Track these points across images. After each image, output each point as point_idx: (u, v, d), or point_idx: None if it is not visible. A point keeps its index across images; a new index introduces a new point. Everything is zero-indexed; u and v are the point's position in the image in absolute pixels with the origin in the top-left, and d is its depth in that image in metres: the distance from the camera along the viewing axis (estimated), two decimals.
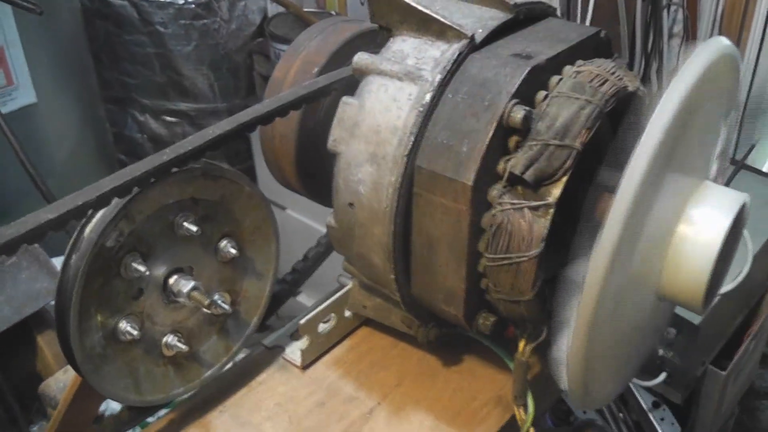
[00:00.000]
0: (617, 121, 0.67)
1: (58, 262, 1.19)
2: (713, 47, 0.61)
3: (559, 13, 2.15)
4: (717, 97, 0.65)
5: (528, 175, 0.61)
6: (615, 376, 0.69)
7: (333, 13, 2.37)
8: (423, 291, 0.68)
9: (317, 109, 0.76)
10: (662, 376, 1.41)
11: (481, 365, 0.82)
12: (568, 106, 0.62)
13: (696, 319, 1.36)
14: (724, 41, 0.63)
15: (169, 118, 2.73)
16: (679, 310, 1.33)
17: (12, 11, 1.97)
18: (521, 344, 0.72)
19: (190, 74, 2.65)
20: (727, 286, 1.34)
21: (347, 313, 0.82)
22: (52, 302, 1.20)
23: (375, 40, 0.77)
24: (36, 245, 1.19)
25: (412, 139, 0.62)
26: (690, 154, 0.63)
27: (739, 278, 1.36)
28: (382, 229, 0.65)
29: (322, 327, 0.81)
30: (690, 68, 0.57)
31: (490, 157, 0.61)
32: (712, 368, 1.50)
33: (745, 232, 1.44)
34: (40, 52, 2.11)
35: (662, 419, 1.57)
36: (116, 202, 0.62)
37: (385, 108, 0.64)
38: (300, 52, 0.77)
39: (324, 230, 0.77)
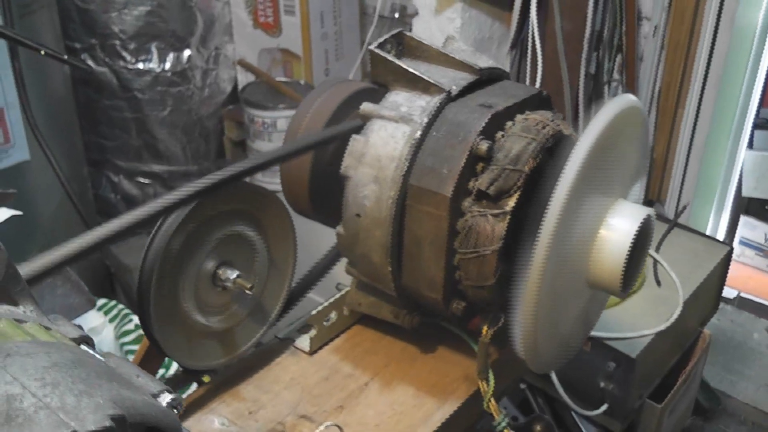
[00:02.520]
0: (556, 155, 0.91)
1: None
2: (620, 102, 0.84)
3: None
4: (627, 139, 0.88)
5: (491, 191, 0.84)
6: (557, 345, 0.90)
7: (301, 82, 2.60)
8: (411, 281, 0.90)
9: (325, 150, 0.98)
10: (603, 407, 1.55)
11: (451, 353, 1.03)
12: (519, 142, 0.85)
13: (633, 353, 1.54)
14: (630, 97, 0.86)
15: (142, 180, 2.87)
16: (619, 346, 1.55)
17: (12, 74, 2.14)
18: (484, 329, 0.94)
19: (164, 138, 2.81)
20: (660, 326, 1.55)
21: (345, 311, 1.03)
22: (81, 317, 1.39)
23: (367, 96, 1.00)
24: (68, 268, 1.38)
25: (407, 164, 0.85)
26: (607, 180, 0.86)
27: (672, 319, 1.54)
28: (381, 232, 0.87)
29: (326, 323, 1.02)
30: (600, 118, 0.80)
31: (463, 177, 0.84)
32: (649, 401, 1.67)
33: (677, 280, 1.66)
34: (35, 113, 2.27)
35: None
36: (180, 212, 0.84)
37: (384, 142, 0.87)
38: (312, 104, 1.00)
39: None
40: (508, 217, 0.84)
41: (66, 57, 1.97)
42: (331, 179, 0.98)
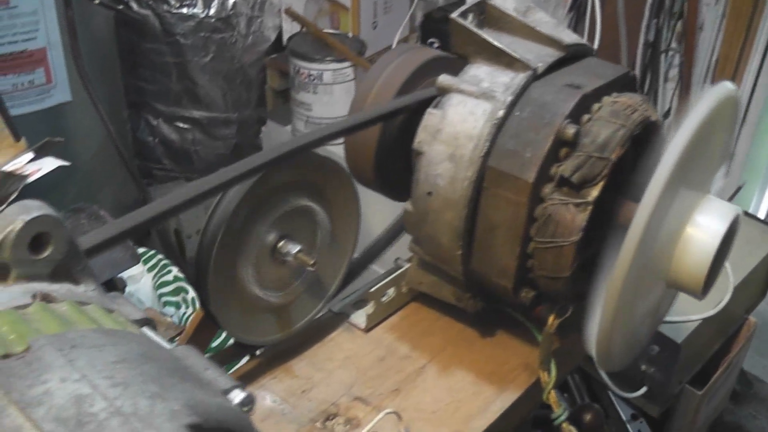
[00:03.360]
0: (641, 142, 0.85)
1: None
2: (719, 91, 0.78)
3: None
4: (721, 129, 0.83)
5: (574, 178, 0.79)
6: (629, 345, 0.86)
7: (349, 35, 2.53)
8: (480, 266, 0.85)
9: (394, 120, 0.93)
10: (642, 389, 1.51)
11: (509, 339, 0.98)
12: (607, 127, 0.80)
13: (679, 338, 1.49)
14: (728, 85, 0.81)
15: (181, 125, 2.85)
16: (664, 329, 1.50)
17: (56, 15, 2.11)
18: (551, 319, 0.89)
19: (205, 84, 2.77)
20: (707, 312, 1.50)
21: (404, 288, 0.99)
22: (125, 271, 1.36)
23: (441, 65, 0.95)
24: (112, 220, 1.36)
25: (487, 145, 0.80)
26: (698, 173, 0.81)
27: (720, 305, 1.49)
28: (453, 214, 0.82)
29: (383, 299, 0.98)
30: (700, 109, 0.75)
31: (547, 162, 0.79)
32: (689, 387, 1.63)
33: (728, 265, 1.61)
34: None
35: (639, 431, 1.68)
36: (245, 183, 0.79)
37: (463, 119, 0.82)
38: (382, 72, 0.94)
39: None
40: (590, 208, 0.79)
41: (121, 6, 1.92)
42: (398, 150, 0.94)
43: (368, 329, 0.97)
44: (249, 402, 0.52)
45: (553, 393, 0.91)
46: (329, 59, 2.31)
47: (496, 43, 0.83)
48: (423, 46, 1.01)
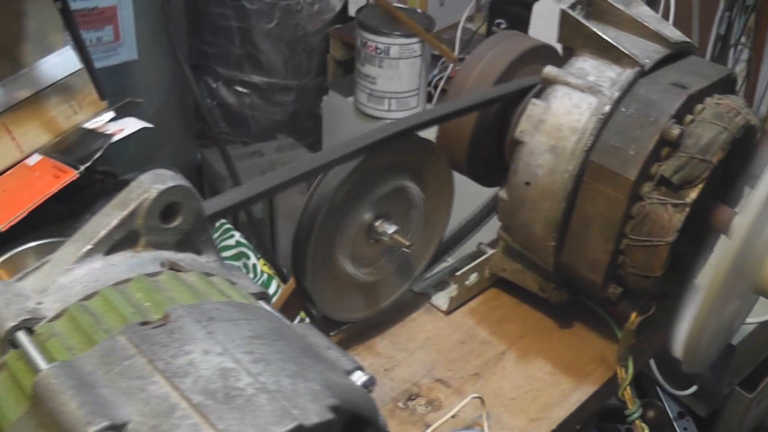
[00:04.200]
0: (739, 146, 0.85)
1: None
2: None
3: None
4: None
5: (675, 179, 0.79)
6: (711, 349, 0.87)
7: (418, 10, 2.51)
8: (571, 258, 0.86)
9: (490, 108, 0.93)
10: (693, 388, 1.52)
11: (586, 331, 0.99)
12: (710, 129, 0.80)
13: (735, 339, 1.49)
14: None
15: (240, 89, 2.86)
16: None
17: None
18: (633, 315, 0.90)
19: (267, 50, 2.78)
20: (765, 316, 1.48)
21: (486, 274, 1.00)
22: None
23: (541, 55, 0.95)
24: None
25: (592, 139, 0.80)
26: None
27: None
28: (551, 205, 0.83)
29: (467, 282, 0.99)
30: None
31: (649, 161, 0.79)
32: (739, 389, 1.62)
33: None
34: (147, 13, 2.25)
35: (685, 429, 1.68)
36: (350, 163, 0.81)
37: (567, 111, 0.82)
38: (481, 58, 0.95)
39: None
40: (687, 209, 0.79)
41: None
42: (490, 137, 0.94)
43: (449, 312, 0.98)
44: (371, 383, 0.53)
45: (628, 389, 0.92)
46: (397, 34, 2.30)
47: (605, 37, 0.83)
48: (521, 34, 1.00)
